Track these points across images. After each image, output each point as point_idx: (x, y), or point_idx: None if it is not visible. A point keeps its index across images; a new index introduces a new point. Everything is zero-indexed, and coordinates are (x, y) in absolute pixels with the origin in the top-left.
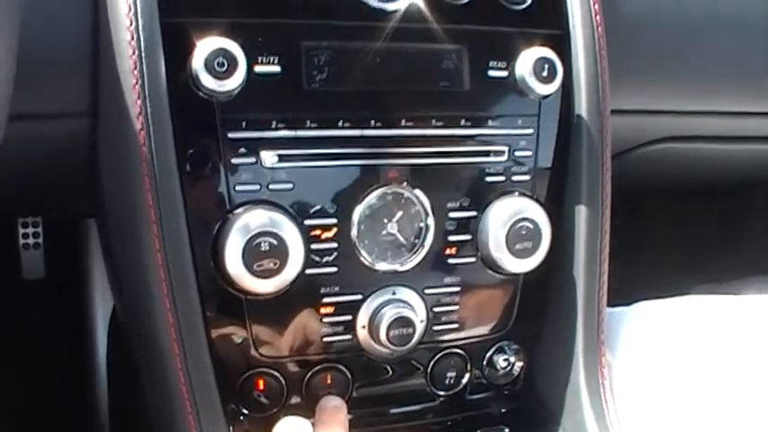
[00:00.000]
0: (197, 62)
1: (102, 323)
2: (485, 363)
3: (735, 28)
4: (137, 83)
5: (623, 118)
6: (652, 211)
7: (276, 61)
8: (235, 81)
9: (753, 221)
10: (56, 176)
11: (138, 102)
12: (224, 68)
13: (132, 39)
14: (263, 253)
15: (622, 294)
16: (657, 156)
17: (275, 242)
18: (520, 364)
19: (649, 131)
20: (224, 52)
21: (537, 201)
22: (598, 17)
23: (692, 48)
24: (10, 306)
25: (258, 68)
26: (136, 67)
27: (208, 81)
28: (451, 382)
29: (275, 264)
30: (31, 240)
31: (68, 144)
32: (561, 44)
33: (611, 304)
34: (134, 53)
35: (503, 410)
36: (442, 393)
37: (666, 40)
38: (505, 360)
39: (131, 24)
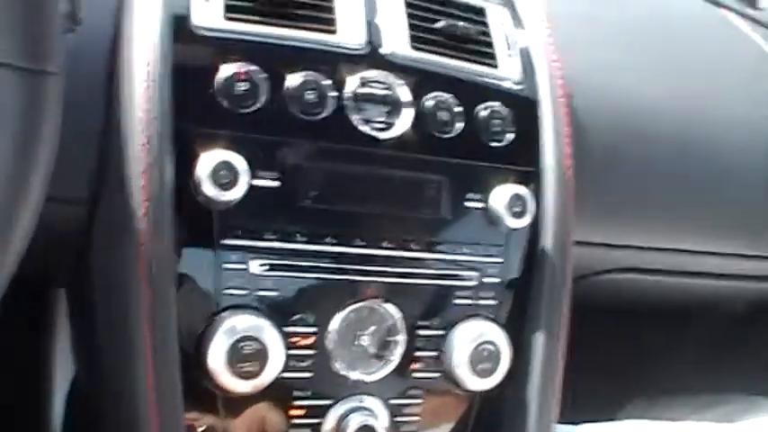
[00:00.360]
0: (202, 171)
1: (59, 388)
2: None
3: (699, 172)
4: (145, 185)
5: (584, 248)
6: (598, 327)
7: (275, 177)
8: (236, 193)
9: (698, 344)
10: (36, 252)
11: (145, 203)
12: (227, 180)
13: (146, 143)
14: (245, 356)
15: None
16: (611, 283)
17: (258, 346)
18: None
19: (608, 262)
20: (228, 165)
21: (499, 325)
22: (569, 158)
23: (655, 189)
24: None
25: (257, 182)
26: (145, 170)
27: (210, 190)
28: None
29: (255, 367)
30: None
31: (60, 225)
32: (533, 181)
33: (557, 421)
34: (146, 156)
35: None
36: None
37: (631, 180)
38: None
39: (146, 129)
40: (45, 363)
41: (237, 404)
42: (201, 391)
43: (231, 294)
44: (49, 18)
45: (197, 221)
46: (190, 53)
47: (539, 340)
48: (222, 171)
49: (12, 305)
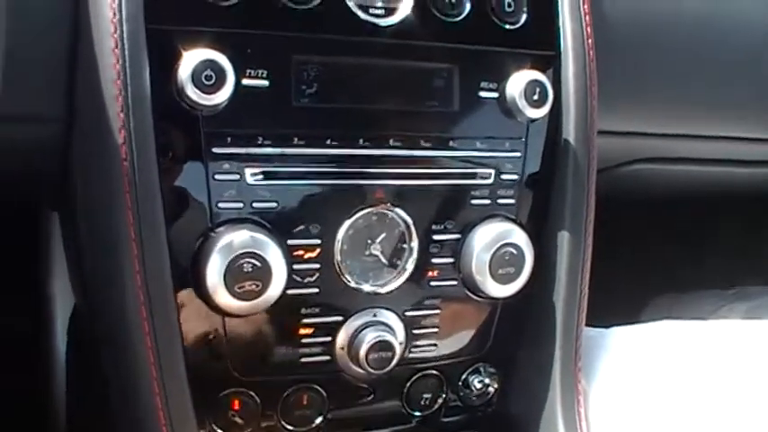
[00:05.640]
0: (183, 74)
1: (60, 318)
2: (460, 384)
3: (719, 56)
4: (120, 93)
5: (606, 138)
6: (619, 220)
7: (265, 75)
8: (222, 95)
9: (716, 236)
10: (19, 175)
11: (121, 114)
12: (211, 81)
13: (116, 46)
14: (245, 274)
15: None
16: (633, 174)
17: (258, 263)
18: (495, 386)
19: (629, 152)
20: (212, 64)
21: (521, 225)
22: (590, 40)
23: (677, 73)
24: None
25: (246, 81)
26: (119, 77)
27: (194, 94)
28: (427, 403)
29: (257, 286)
30: None
31: (38, 146)
32: (552, 65)
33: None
34: (117, 62)
35: None
36: (417, 414)
37: (654, 65)
38: (480, 382)
39: (115, 31)
40: (44, 287)
41: (240, 325)
42: (204, 317)
43: (226, 208)
44: None
45: (182, 130)
46: None
47: (563, 240)
48: (205, 72)
49: (6, 229)
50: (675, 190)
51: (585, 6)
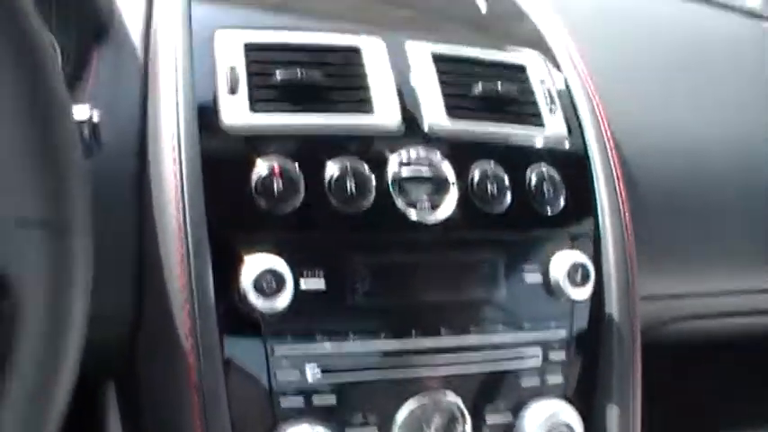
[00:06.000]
0: (246, 281)
1: None
2: None
3: (752, 213)
4: (186, 301)
5: (645, 303)
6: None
7: (321, 275)
8: (283, 300)
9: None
10: (83, 364)
11: (188, 323)
12: (272, 288)
13: (182, 258)
14: None
15: None
16: (674, 332)
17: None
18: None
19: (669, 313)
20: (272, 272)
21: (570, 402)
22: (627, 214)
23: (710, 233)
24: None
25: (304, 285)
26: (185, 288)
27: (256, 300)
28: None
29: None
30: None
31: (103, 344)
32: (593, 244)
33: None
34: (183, 272)
35: None
36: None
37: (690, 225)
38: None
39: (182, 244)
40: None
41: None
42: None
43: (287, 406)
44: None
45: (244, 333)
46: (220, 153)
47: (612, 412)
48: (266, 278)
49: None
50: (716, 341)
51: (621, 184)
